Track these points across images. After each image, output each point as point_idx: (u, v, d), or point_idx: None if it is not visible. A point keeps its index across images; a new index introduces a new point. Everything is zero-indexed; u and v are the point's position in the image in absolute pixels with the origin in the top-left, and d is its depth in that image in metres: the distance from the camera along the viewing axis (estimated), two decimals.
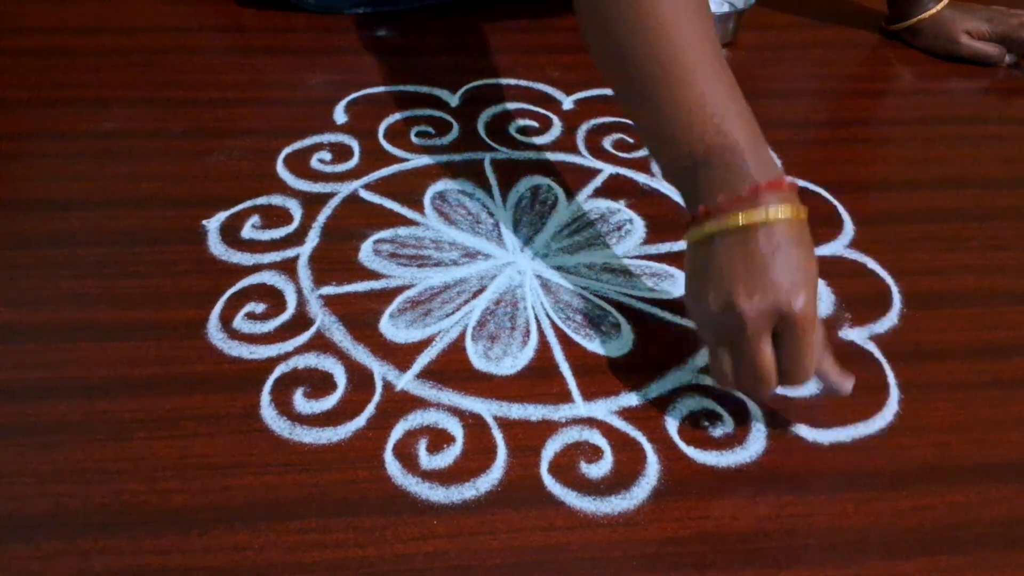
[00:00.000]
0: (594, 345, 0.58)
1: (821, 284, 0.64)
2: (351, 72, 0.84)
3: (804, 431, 0.54)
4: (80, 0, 0.90)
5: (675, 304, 0.61)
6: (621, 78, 0.56)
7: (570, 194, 0.70)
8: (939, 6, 0.92)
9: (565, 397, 0.54)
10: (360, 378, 0.55)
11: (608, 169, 0.74)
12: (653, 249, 0.66)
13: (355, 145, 0.74)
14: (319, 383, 0.54)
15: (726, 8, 0.92)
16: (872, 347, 0.59)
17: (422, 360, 0.56)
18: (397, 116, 0.78)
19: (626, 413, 0.54)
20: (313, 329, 0.57)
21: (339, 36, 0.89)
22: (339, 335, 0.57)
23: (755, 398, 0.54)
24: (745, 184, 0.49)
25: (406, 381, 0.55)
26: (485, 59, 0.87)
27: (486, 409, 0.53)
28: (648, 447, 0.52)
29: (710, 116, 0.51)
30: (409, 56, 0.87)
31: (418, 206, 0.68)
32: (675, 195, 0.71)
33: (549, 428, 0.53)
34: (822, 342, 0.50)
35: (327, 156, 0.72)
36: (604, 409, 0.54)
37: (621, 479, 0.50)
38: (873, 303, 0.63)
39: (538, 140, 0.76)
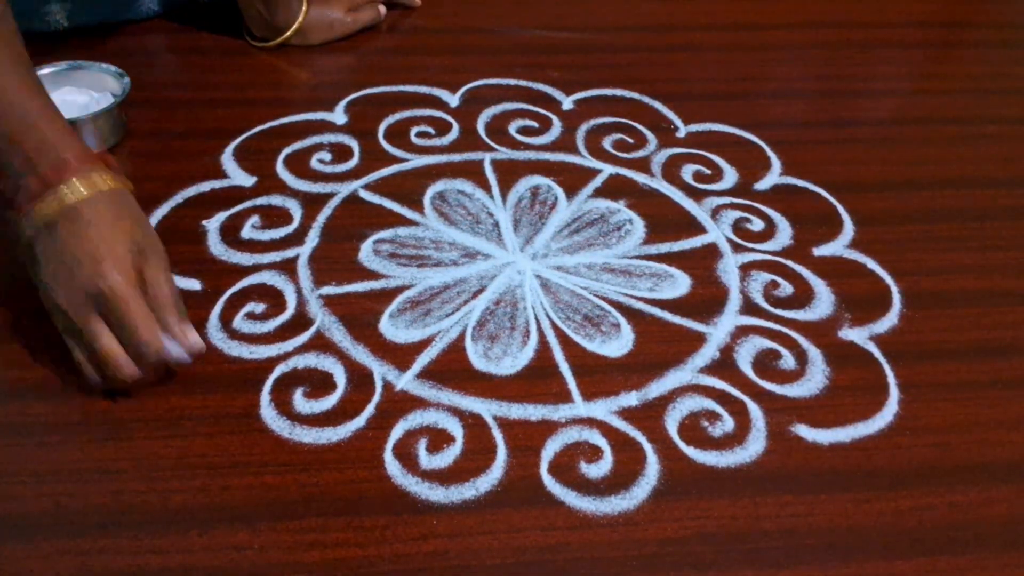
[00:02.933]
0: (594, 345, 0.58)
1: (821, 284, 0.64)
2: (351, 72, 0.84)
3: (804, 431, 0.54)
4: None
5: (675, 304, 0.61)
6: None
7: (570, 194, 0.70)
8: (305, 6, 0.84)
9: (565, 397, 0.54)
10: (360, 378, 0.55)
11: (608, 169, 0.74)
12: (653, 249, 0.66)
13: (355, 145, 0.74)
14: (319, 383, 0.54)
15: (95, 103, 0.71)
16: (872, 347, 0.59)
17: (422, 360, 0.56)
18: (397, 116, 0.78)
19: (626, 413, 0.54)
20: (313, 329, 0.57)
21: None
22: (339, 335, 0.57)
23: (118, 385, 0.51)
24: (32, 176, 0.50)
25: (406, 381, 0.55)
26: (485, 59, 0.87)
27: (486, 409, 0.53)
28: (648, 447, 0.52)
29: None
30: (409, 56, 0.87)
31: (418, 206, 0.68)
32: (675, 195, 0.71)
33: (549, 428, 0.53)
34: (159, 308, 0.50)
35: (327, 156, 0.72)
36: (604, 409, 0.54)
37: (621, 479, 0.50)
38: (873, 303, 0.63)
39: (538, 140, 0.76)
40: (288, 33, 0.84)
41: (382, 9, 0.90)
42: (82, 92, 0.72)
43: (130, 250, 0.50)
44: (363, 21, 0.88)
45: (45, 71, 0.72)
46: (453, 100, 0.80)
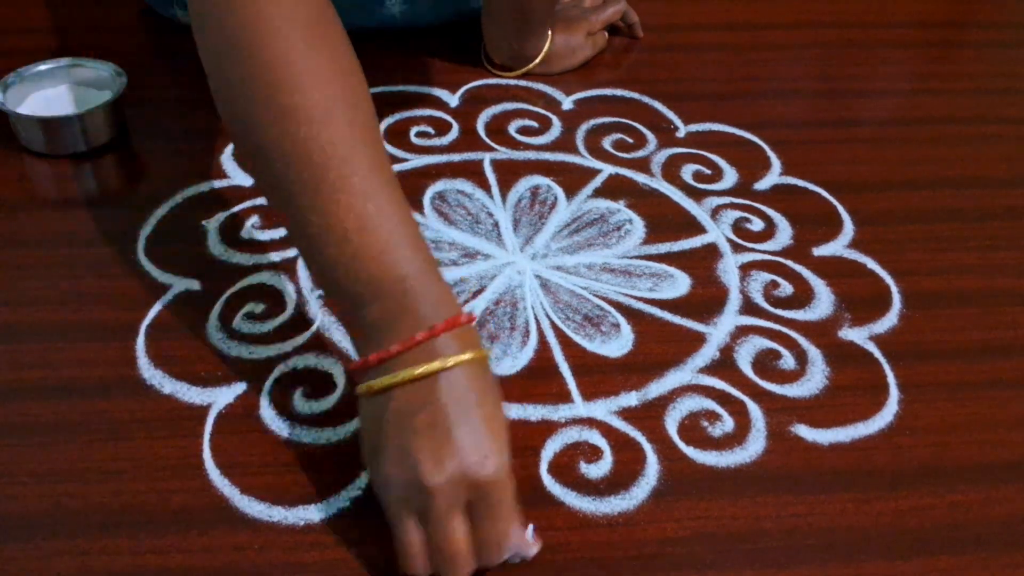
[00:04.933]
0: (594, 345, 0.58)
1: (821, 284, 0.64)
2: None
3: (804, 431, 0.54)
4: (82, 2, 0.90)
5: (675, 304, 0.61)
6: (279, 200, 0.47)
7: (570, 194, 0.70)
8: (550, 34, 0.83)
9: (565, 397, 0.54)
10: None
11: (608, 169, 0.74)
12: (653, 249, 0.66)
13: None
14: (319, 383, 0.54)
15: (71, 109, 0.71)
16: (872, 347, 0.59)
17: None
18: (397, 116, 0.78)
19: (626, 413, 0.54)
20: (313, 329, 0.57)
21: None
22: (338, 335, 0.57)
23: None
24: (420, 326, 0.43)
25: None
26: None
27: None
28: (648, 447, 0.52)
29: (374, 245, 0.44)
30: (409, 56, 0.87)
31: (418, 206, 0.68)
32: (675, 195, 0.71)
33: (549, 428, 0.53)
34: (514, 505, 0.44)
35: None
36: (604, 409, 0.54)
37: (621, 479, 0.50)
38: (873, 303, 0.63)
39: (538, 140, 0.76)
40: (535, 62, 0.83)
41: (606, 35, 0.90)
42: (79, 89, 0.72)
43: (505, 440, 0.43)
44: (599, 46, 0.88)
45: (44, 67, 0.72)
46: (453, 100, 0.80)
